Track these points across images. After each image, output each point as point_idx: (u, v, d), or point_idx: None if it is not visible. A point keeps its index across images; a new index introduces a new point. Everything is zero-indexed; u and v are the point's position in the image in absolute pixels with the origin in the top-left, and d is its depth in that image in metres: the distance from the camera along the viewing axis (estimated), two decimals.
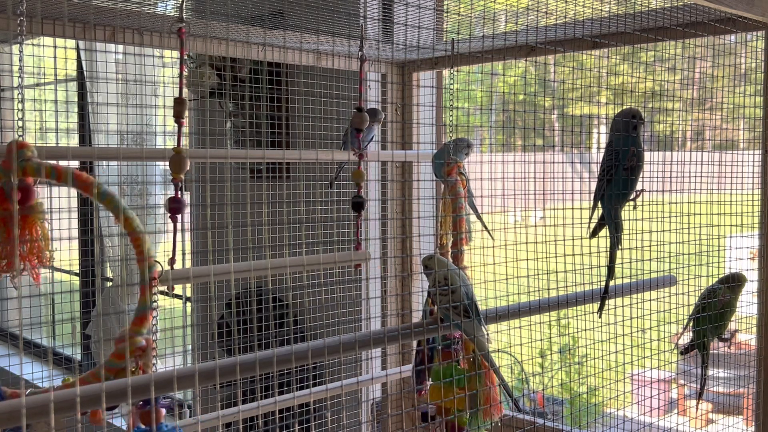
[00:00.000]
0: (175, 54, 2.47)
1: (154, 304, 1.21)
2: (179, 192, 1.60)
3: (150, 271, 1.16)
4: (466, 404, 1.48)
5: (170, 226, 1.62)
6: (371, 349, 2.17)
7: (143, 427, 1.20)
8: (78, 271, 3.81)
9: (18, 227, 1.28)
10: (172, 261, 1.63)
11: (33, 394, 1.05)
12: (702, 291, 1.69)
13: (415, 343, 1.74)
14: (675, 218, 1.57)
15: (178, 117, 1.59)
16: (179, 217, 1.61)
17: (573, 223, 1.45)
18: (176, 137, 1.59)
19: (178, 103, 1.59)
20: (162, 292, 1.78)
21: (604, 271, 1.48)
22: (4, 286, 3.83)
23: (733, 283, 1.66)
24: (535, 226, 1.41)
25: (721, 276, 1.70)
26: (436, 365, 1.59)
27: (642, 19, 1.70)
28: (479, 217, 1.80)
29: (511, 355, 1.56)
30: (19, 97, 1.37)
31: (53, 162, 1.20)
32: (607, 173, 1.47)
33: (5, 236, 1.25)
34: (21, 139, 1.29)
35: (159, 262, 1.19)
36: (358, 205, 1.90)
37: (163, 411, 1.22)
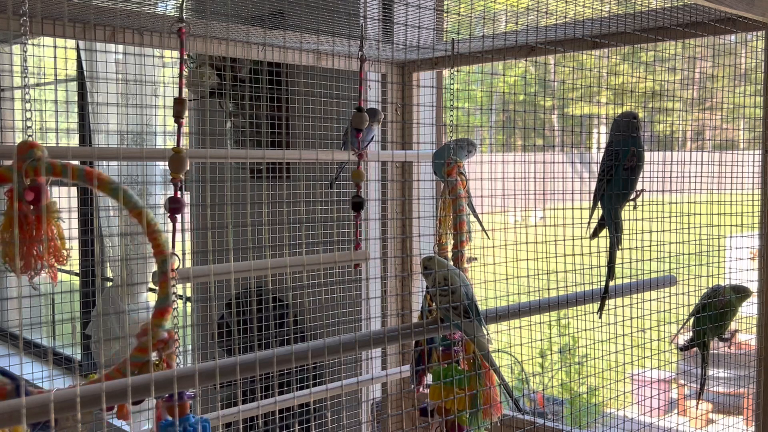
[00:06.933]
0: (175, 54, 2.47)
1: (173, 297, 1.21)
2: (179, 192, 1.59)
3: (167, 264, 1.16)
4: (466, 404, 1.48)
5: (170, 225, 1.61)
6: (371, 349, 2.17)
7: (169, 419, 1.21)
8: (78, 271, 3.81)
9: (33, 227, 1.28)
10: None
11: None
12: (704, 291, 1.69)
13: (413, 342, 1.74)
14: (675, 218, 1.57)
15: (177, 117, 1.59)
16: (178, 217, 1.60)
17: (573, 223, 1.45)
18: (176, 137, 1.59)
19: (178, 103, 1.59)
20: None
21: (604, 271, 1.48)
22: (4, 286, 3.83)
23: (741, 292, 1.66)
24: (535, 226, 1.41)
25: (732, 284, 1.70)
26: (436, 365, 1.59)
27: (642, 19, 1.70)
28: (477, 217, 1.80)
29: (511, 355, 1.56)
30: (27, 97, 1.37)
31: (64, 161, 1.20)
32: (607, 173, 1.47)
33: (21, 236, 1.26)
34: (30, 139, 1.29)
35: (177, 255, 1.19)
36: (358, 204, 1.90)
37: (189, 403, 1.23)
